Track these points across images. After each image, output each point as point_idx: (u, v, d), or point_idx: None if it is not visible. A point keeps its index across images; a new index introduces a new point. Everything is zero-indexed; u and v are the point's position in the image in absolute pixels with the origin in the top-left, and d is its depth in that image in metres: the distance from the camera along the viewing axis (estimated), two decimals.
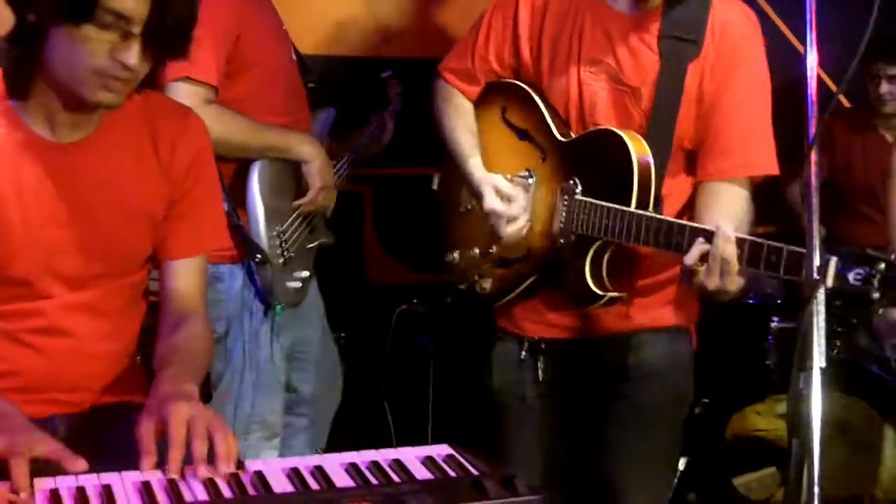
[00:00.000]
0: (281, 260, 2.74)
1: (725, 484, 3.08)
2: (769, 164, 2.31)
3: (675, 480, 2.97)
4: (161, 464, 1.64)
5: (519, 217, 2.39)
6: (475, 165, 2.46)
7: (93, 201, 1.94)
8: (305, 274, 2.85)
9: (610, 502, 2.47)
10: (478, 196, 2.44)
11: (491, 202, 2.40)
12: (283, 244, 2.75)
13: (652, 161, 2.24)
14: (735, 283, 2.08)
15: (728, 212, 2.25)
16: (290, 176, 2.78)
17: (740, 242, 2.05)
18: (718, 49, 2.27)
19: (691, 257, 2.10)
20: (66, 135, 1.92)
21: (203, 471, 1.60)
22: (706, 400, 3.14)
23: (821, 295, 1.72)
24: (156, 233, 2.04)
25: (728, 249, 2.05)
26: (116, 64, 1.79)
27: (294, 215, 2.81)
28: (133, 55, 1.79)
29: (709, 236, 2.08)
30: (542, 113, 2.40)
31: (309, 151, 2.76)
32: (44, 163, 1.91)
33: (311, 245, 2.92)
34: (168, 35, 1.83)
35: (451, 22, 3.73)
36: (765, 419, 3.11)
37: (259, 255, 2.67)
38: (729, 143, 2.29)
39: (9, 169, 1.88)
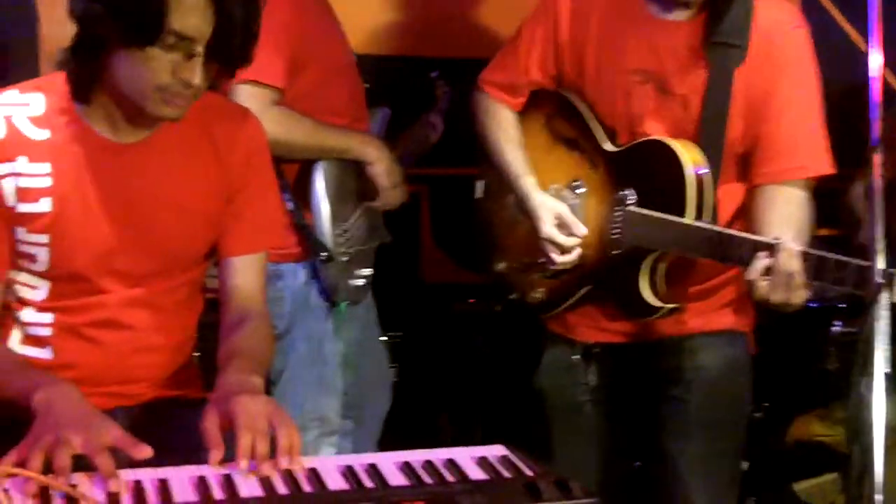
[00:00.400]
0: (346, 258, 2.75)
1: (786, 490, 3.04)
2: (823, 165, 2.27)
3: None
4: (226, 458, 1.65)
5: (574, 248, 2.37)
6: (531, 186, 2.43)
7: (151, 200, 1.97)
8: (368, 272, 2.86)
9: None
10: (535, 219, 2.41)
11: (550, 230, 2.38)
12: (348, 242, 2.76)
13: (707, 171, 2.21)
14: (801, 296, 2.03)
15: (784, 214, 2.21)
16: (353, 174, 2.78)
17: (805, 255, 2.01)
18: (765, 52, 2.23)
19: (754, 272, 2.05)
20: (127, 136, 1.95)
21: (265, 468, 1.61)
22: (766, 404, 3.10)
23: (884, 299, 1.69)
24: (213, 231, 2.06)
25: (792, 264, 2.00)
26: (180, 82, 1.82)
27: (357, 213, 2.81)
28: (196, 74, 1.82)
29: (769, 249, 2.04)
30: (587, 122, 2.38)
31: (372, 152, 2.75)
32: (104, 162, 1.94)
33: (371, 243, 2.92)
34: (230, 49, 1.85)
35: (499, 21, 3.71)
36: (826, 425, 3.06)
37: (325, 254, 2.69)
38: (780, 146, 2.25)
39: (70, 167, 1.92)
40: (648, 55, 2.29)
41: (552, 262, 2.40)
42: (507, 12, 3.69)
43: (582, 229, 2.37)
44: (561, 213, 2.38)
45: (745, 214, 2.32)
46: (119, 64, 1.82)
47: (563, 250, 2.38)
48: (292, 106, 2.65)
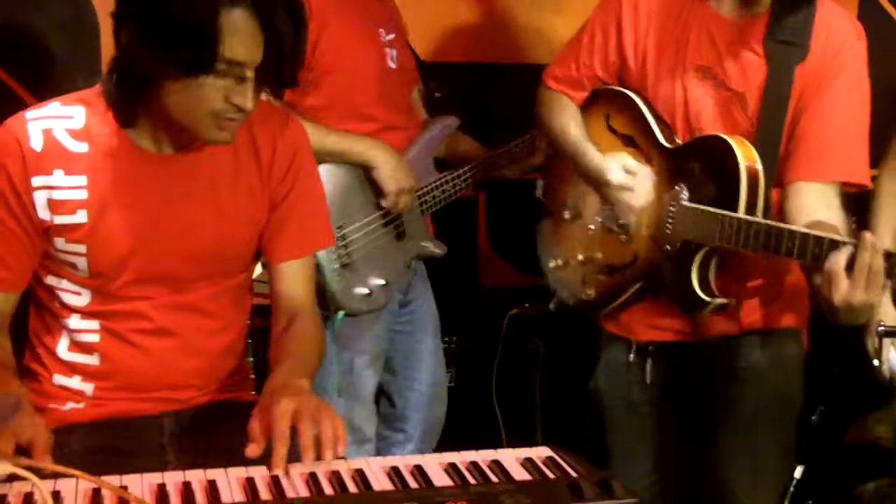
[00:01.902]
0: (337, 264, 2.72)
1: (845, 493, 3.00)
2: (863, 174, 2.25)
3: (793, 488, 2.90)
4: (264, 459, 1.67)
5: (645, 188, 2.38)
6: (595, 155, 2.46)
7: (193, 208, 1.99)
8: (379, 281, 2.81)
9: None
10: (601, 173, 2.43)
11: (618, 175, 2.40)
12: (346, 248, 2.74)
13: (760, 167, 2.20)
14: (879, 296, 1.97)
15: (815, 212, 2.18)
16: (365, 181, 2.79)
17: (887, 255, 1.95)
18: (821, 53, 2.22)
19: (837, 264, 1.96)
20: (169, 148, 1.97)
21: (308, 457, 1.62)
22: (823, 407, 3.06)
23: None
24: (256, 235, 2.08)
25: (877, 261, 1.94)
26: (232, 107, 1.84)
27: (367, 220, 2.80)
28: (248, 99, 1.84)
29: (836, 245, 1.98)
30: (646, 119, 2.38)
31: (375, 155, 2.74)
32: (145, 171, 1.95)
33: (397, 252, 2.89)
34: (280, 72, 1.87)
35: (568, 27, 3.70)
36: (886, 427, 3.01)
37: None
38: (826, 147, 2.23)
39: (113, 180, 1.93)
40: (709, 52, 2.30)
41: (628, 208, 2.40)
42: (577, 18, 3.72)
43: (646, 169, 2.38)
44: (626, 161, 2.40)
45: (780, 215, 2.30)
46: (169, 93, 1.83)
47: (636, 194, 2.38)
48: (317, 115, 2.67)
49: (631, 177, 2.39)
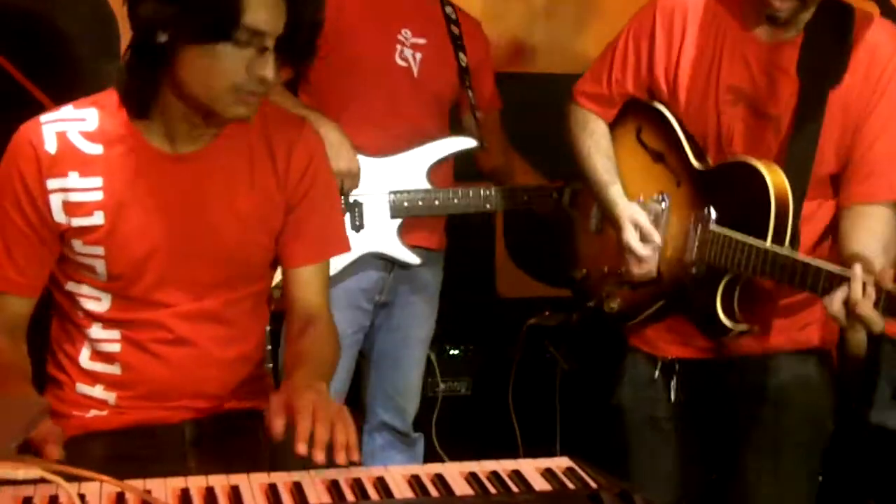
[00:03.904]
0: None
1: None
2: None
3: None
4: (286, 465, 1.68)
5: (651, 259, 2.38)
6: (617, 194, 2.45)
7: (211, 211, 1.98)
8: None
9: None
10: (617, 227, 2.42)
11: (629, 237, 2.39)
12: None
13: (791, 194, 2.19)
14: (878, 325, 2.00)
15: (872, 233, 2.19)
16: None
17: (878, 291, 1.97)
18: (865, 73, 2.20)
19: (834, 306, 2.02)
20: (184, 146, 1.96)
21: (319, 455, 1.62)
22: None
23: None
24: (273, 241, 2.07)
25: (865, 295, 1.98)
26: (254, 79, 1.83)
27: None
28: (270, 69, 1.83)
29: (843, 281, 2.01)
30: (678, 138, 2.38)
31: (321, 132, 2.70)
32: (160, 173, 1.95)
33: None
34: (299, 43, 1.87)
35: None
36: None
37: None
38: (874, 167, 2.22)
39: (128, 182, 1.94)
40: (742, 74, 2.28)
41: (629, 272, 2.40)
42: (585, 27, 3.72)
43: (657, 239, 2.37)
44: (640, 222, 2.39)
45: (834, 233, 2.30)
46: (189, 67, 1.82)
47: (641, 260, 2.38)
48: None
49: (642, 245, 2.38)
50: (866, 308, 1.98)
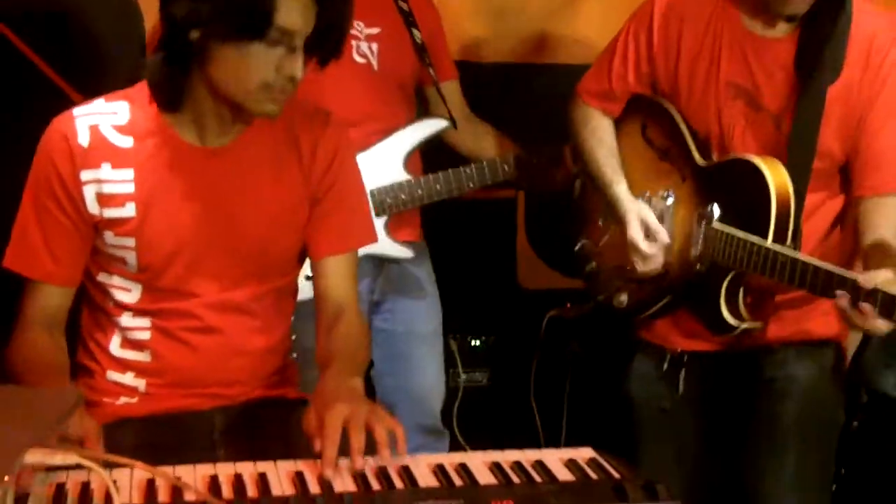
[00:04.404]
0: None
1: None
2: None
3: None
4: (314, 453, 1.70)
5: (656, 257, 2.39)
6: (621, 191, 2.46)
7: (237, 203, 2.01)
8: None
9: None
10: (623, 224, 2.43)
11: (634, 235, 2.40)
12: None
13: (792, 192, 2.20)
14: (879, 330, 1.99)
15: (887, 224, 2.19)
16: None
17: (873, 293, 1.96)
18: (863, 64, 2.20)
19: (842, 304, 2.01)
20: (213, 140, 1.99)
21: (359, 462, 1.65)
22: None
23: None
24: (299, 234, 2.09)
25: (864, 305, 1.96)
26: (283, 77, 1.86)
27: None
28: (299, 68, 1.86)
29: (847, 284, 2.00)
30: (682, 133, 2.38)
31: None
32: (189, 166, 1.98)
33: None
34: (329, 43, 1.90)
35: (601, 27, 3.72)
36: None
37: None
38: (880, 158, 2.21)
39: (158, 175, 1.97)
40: (741, 70, 2.28)
41: (635, 269, 2.42)
42: (606, 19, 3.72)
43: (665, 238, 2.38)
44: (647, 219, 2.40)
45: (845, 225, 2.31)
46: (220, 64, 1.85)
47: (646, 258, 2.39)
48: None
49: (647, 243, 2.39)
50: (868, 309, 1.97)
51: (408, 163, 2.91)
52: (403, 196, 2.89)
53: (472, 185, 2.97)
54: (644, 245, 2.39)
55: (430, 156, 3.03)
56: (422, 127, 2.94)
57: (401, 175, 2.90)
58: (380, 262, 2.94)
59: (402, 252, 2.94)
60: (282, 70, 1.85)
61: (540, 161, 3.02)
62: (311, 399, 1.88)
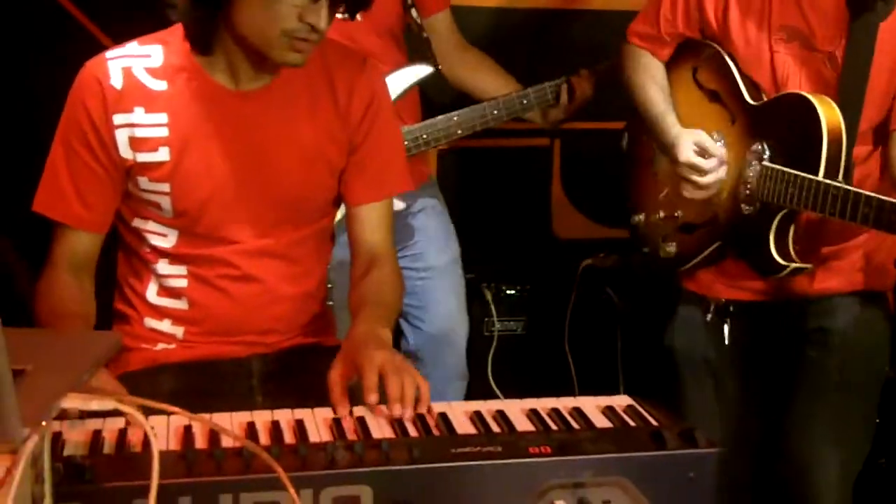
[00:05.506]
0: None
1: None
2: None
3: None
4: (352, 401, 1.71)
5: (715, 171, 2.35)
6: (671, 122, 2.44)
7: (273, 147, 1.99)
8: None
9: (799, 470, 2.40)
10: (673, 148, 2.40)
11: (688, 154, 2.37)
12: None
13: (844, 128, 2.17)
14: None
15: None
16: None
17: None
18: None
19: None
20: (247, 83, 1.97)
21: (397, 409, 1.65)
22: None
23: None
24: (336, 178, 2.08)
25: None
26: (306, 27, 1.84)
27: None
28: (323, 18, 1.84)
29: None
30: (733, 75, 2.36)
31: None
32: (226, 111, 1.96)
33: None
34: None
35: None
36: None
37: None
38: None
39: (193, 118, 1.95)
40: (794, 12, 2.26)
41: (697, 184, 2.38)
42: None
43: (721, 153, 2.36)
44: (702, 141, 2.37)
45: (886, 162, 2.29)
46: (245, 11, 1.84)
47: (704, 173, 2.36)
48: None
49: (703, 159, 2.36)
50: None
51: (399, 111, 2.75)
52: (406, 143, 2.78)
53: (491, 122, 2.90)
54: (699, 160, 2.36)
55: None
56: (405, 74, 2.83)
57: None
58: None
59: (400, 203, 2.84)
60: (304, 18, 1.83)
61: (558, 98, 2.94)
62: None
